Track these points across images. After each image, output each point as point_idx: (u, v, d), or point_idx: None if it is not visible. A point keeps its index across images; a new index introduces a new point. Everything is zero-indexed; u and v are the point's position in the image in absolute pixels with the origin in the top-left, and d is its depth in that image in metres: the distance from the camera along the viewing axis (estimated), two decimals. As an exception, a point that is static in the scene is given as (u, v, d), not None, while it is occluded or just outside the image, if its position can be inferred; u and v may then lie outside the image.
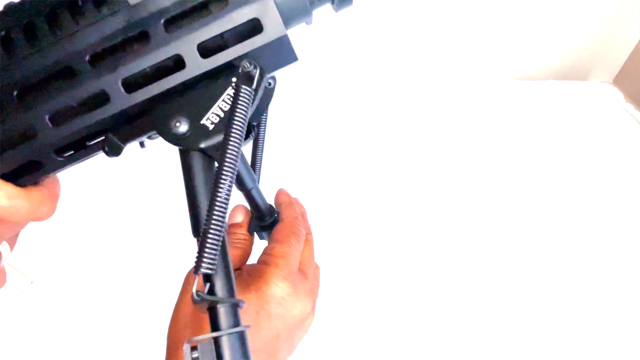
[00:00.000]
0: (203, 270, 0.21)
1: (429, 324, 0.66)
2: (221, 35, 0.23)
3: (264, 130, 0.35)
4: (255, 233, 0.43)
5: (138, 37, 0.23)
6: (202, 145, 0.23)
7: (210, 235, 0.21)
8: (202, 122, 0.23)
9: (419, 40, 1.03)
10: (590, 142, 0.95)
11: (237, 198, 0.47)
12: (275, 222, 0.42)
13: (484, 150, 0.92)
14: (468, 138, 0.94)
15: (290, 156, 0.85)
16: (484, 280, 0.71)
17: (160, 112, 0.23)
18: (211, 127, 0.23)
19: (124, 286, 0.65)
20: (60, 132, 0.23)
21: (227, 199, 0.21)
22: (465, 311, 0.67)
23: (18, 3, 0.23)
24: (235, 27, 0.23)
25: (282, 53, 0.24)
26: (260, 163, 0.39)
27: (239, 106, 0.22)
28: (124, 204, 0.76)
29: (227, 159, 0.21)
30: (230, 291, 0.22)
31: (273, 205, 0.44)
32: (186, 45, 0.22)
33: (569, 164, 0.90)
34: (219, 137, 0.23)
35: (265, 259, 0.35)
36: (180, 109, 0.23)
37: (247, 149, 0.34)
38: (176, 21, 0.23)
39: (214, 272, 0.21)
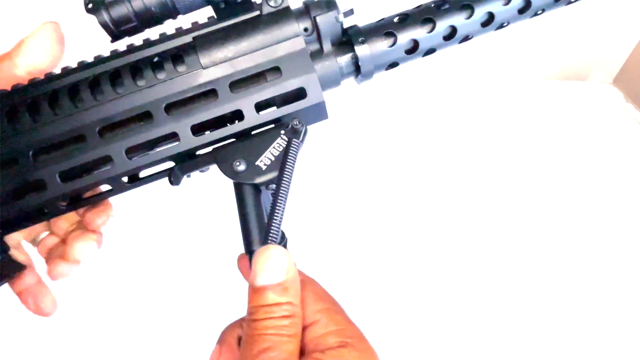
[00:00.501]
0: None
1: (430, 323, 0.66)
2: (273, 97, 0.29)
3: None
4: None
5: (207, 94, 0.29)
6: (257, 181, 0.29)
7: None
8: (256, 163, 0.29)
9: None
10: (590, 142, 0.94)
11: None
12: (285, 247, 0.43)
13: (484, 150, 0.92)
14: (468, 138, 0.94)
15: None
16: (485, 280, 0.71)
17: (223, 154, 0.29)
18: (264, 167, 0.29)
19: (124, 286, 0.65)
20: (133, 163, 0.29)
21: (281, 223, 0.27)
22: (467, 310, 0.67)
23: (108, 56, 0.29)
24: (285, 93, 0.29)
25: (317, 113, 0.30)
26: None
27: (291, 152, 0.28)
28: (124, 204, 0.75)
29: (281, 190, 0.27)
30: None
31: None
32: (246, 103, 0.29)
33: (569, 164, 0.90)
34: (271, 175, 0.29)
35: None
36: (239, 152, 0.29)
37: None
38: (239, 84, 0.29)
39: None
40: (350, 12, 0.31)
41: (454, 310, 0.67)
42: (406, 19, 0.31)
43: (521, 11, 0.32)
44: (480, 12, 0.31)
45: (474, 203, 0.81)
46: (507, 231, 0.77)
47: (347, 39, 0.31)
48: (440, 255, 0.73)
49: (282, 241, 0.43)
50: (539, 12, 0.33)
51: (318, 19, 0.29)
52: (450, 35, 0.32)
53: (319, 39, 0.30)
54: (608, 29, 1.06)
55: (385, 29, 0.31)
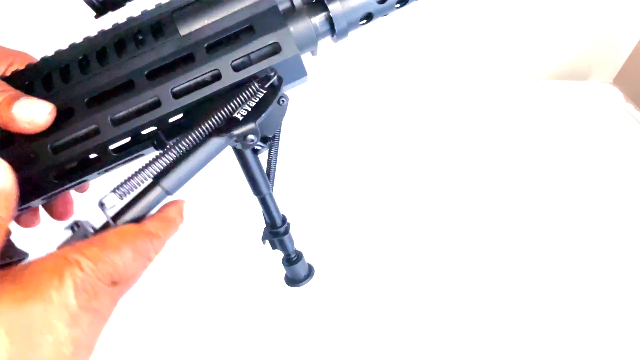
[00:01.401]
0: None
1: (429, 324, 0.66)
2: (249, 55, 0.30)
3: (278, 142, 0.40)
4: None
5: (185, 58, 0.30)
6: (235, 132, 0.29)
7: None
8: (234, 115, 0.29)
9: (421, 41, 1.02)
10: (590, 142, 0.95)
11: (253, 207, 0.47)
12: (287, 231, 0.45)
13: (484, 150, 0.92)
14: (468, 138, 0.94)
15: (299, 159, 0.85)
16: (482, 278, 0.71)
17: (202, 113, 0.29)
18: (241, 118, 0.29)
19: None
20: (120, 129, 0.30)
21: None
22: (466, 310, 0.67)
23: (96, 35, 0.31)
24: (259, 49, 0.30)
25: (295, 70, 0.31)
26: (274, 170, 0.43)
27: (266, 98, 0.30)
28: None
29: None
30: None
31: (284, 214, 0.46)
32: (223, 63, 0.30)
33: (569, 164, 0.90)
34: (249, 126, 0.29)
35: None
36: (217, 110, 0.29)
37: (263, 157, 0.39)
38: (215, 46, 0.30)
39: None
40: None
41: (454, 308, 0.67)
42: None
43: None
44: None
45: (474, 202, 0.81)
46: (507, 231, 0.77)
47: None
48: (438, 254, 0.73)
49: (284, 224, 0.44)
50: None
51: None
52: None
53: None
54: (608, 29, 1.06)
55: None
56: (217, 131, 0.29)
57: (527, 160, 0.90)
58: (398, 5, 0.32)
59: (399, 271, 0.71)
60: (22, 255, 0.34)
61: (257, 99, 0.30)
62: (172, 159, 0.28)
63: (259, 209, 0.44)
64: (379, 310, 0.67)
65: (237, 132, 0.29)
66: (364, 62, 1.05)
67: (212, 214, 0.75)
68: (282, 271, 0.51)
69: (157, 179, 0.27)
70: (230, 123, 0.29)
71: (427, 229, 0.77)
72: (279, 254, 0.48)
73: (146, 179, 0.28)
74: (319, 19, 0.32)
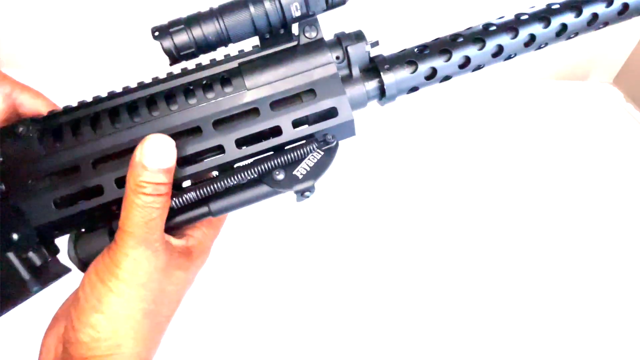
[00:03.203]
0: None
1: (431, 324, 0.66)
2: (307, 116, 0.33)
3: None
4: None
5: (250, 112, 0.33)
6: (295, 189, 0.32)
7: None
8: (294, 173, 0.32)
9: (420, 38, 1.02)
10: (590, 142, 0.95)
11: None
12: None
13: (485, 149, 0.92)
14: (469, 137, 0.94)
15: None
16: (485, 278, 0.71)
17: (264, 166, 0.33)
18: (301, 177, 0.32)
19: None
20: (185, 172, 0.32)
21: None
22: (467, 308, 0.67)
23: (164, 77, 0.33)
24: (318, 112, 0.33)
25: (346, 130, 0.34)
26: None
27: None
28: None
29: None
30: None
31: None
32: (284, 120, 0.33)
33: (569, 164, 0.90)
34: (307, 184, 0.32)
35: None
36: (278, 164, 0.32)
37: None
38: (279, 104, 0.33)
39: None
40: (376, 44, 0.35)
41: (455, 308, 0.67)
42: (425, 50, 0.35)
43: (527, 44, 0.36)
44: (491, 45, 0.35)
45: (473, 202, 0.81)
46: (507, 230, 0.77)
47: (373, 66, 0.35)
48: (441, 253, 0.73)
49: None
50: (543, 45, 0.38)
51: (349, 48, 0.34)
52: (464, 64, 0.36)
53: (349, 66, 0.34)
54: (608, 29, 1.06)
55: (407, 58, 0.35)
56: (278, 185, 0.32)
57: (528, 159, 0.90)
58: (441, 81, 0.37)
59: (400, 271, 0.71)
60: (66, 271, 0.35)
61: (316, 160, 0.33)
62: (223, 188, 0.32)
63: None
64: (379, 311, 0.67)
65: (298, 187, 0.32)
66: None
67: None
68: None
69: (207, 201, 0.32)
70: (292, 179, 0.32)
71: (426, 226, 0.77)
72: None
73: (200, 197, 0.32)
74: (372, 84, 0.35)
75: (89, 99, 0.33)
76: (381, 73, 0.35)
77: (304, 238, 0.74)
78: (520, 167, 0.88)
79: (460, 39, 0.35)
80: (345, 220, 0.77)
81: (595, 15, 0.38)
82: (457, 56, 0.35)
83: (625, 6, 0.37)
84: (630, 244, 0.77)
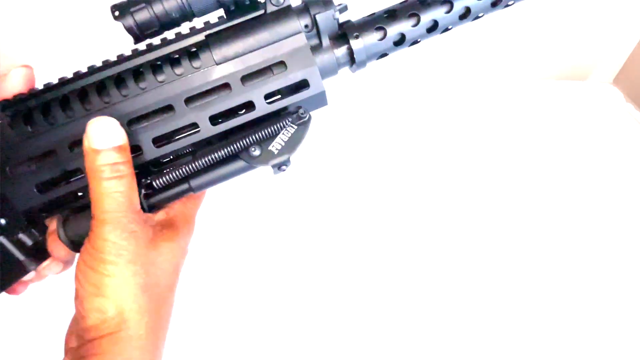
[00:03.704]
0: None
1: (430, 325, 0.66)
2: (279, 89, 0.33)
3: None
4: None
5: (221, 87, 0.32)
6: (271, 164, 0.33)
7: None
8: (269, 148, 0.33)
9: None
10: (590, 142, 0.94)
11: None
12: None
13: (485, 149, 0.92)
14: (468, 137, 0.94)
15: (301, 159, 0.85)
16: (483, 278, 0.71)
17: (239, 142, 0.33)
18: (276, 152, 0.33)
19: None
20: (161, 151, 0.32)
21: None
22: (466, 308, 0.67)
23: (130, 55, 0.32)
24: (290, 84, 0.33)
25: (318, 101, 0.34)
26: None
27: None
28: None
29: None
30: None
31: None
32: (257, 94, 0.32)
33: (569, 164, 0.90)
34: (282, 158, 0.33)
35: None
36: (253, 140, 0.32)
37: None
38: (250, 77, 0.33)
39: None
40: (344, 9, 0.35)
41: (455, 309, 0.67)
42: (394, 14, 0.35)
43: (494, 4, 0.36)
44: (458, 6, 0.34)
45: (473, 202, 0.81)
46: (507, 230, 0.77)
47: (342, 33, 0.35)
48: (439, 253, 0.73)
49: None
50: (510, 2, 0.37)
51: (317, 17, 0.33)
52: (432, 27, 0.35)
53: (318, 34, 0.34)
54: (608, 29, 1.06)
55: (376, 23, 0.34)
56: (255, 160, 0.33)
57: (528, 159, 0.90)
58: (410, 45, 0.36)
59: (397, 268, 0.71)
60: (47, 256, 0.35)
61: (290, 134, 0.33)
62: (202, 166, 0.32)
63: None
64: (375, 308, 0.67)
65: (274, 162, 0.33)
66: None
67: (211, 215, 0.75)
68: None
69: (187, 179, 0.33)
70: (268, 154, 0.33)
71: (425, 227, 0.77)
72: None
73: (179, 176, 0.32)
74: (341, 51, 0.35)
75: (55, 81, 0.33)
76: (350, 40, 0.34)
77: (301, 236, 0.74)
78: (520, 167, 0.88)
79: (428, 2, 0.35)
80: (343, 216, 0.77)
81: None
82: (425, 19, 0.34)
83: None
84: (630, 243, 0.77)
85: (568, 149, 0.93)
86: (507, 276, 0.71)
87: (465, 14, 0.35)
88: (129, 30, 0.30)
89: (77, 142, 0.31)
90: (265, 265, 0.69)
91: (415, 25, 0.34)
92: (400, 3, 0.35)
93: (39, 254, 0.34)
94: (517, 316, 0.67)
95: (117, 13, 0.30)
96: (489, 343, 0.64)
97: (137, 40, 0.32)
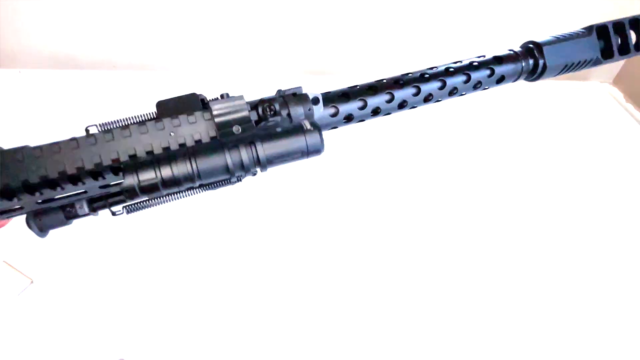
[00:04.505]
0: None
1: (430, 328, 0.66)
2: None
3: None
4: None
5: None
6: None
7: None
8: None
9: (421, 38, 1.03)
10: (590, 142, 0.95)
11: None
12: None
13: (484, 149, 0.92)
14: (468, 137, 0.94)
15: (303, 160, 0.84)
16: (481, 277, 0.71)
17: None
18: None
19: (124, 286, 0.64)
20: None
21: None
22: (467, 310, 0.67)
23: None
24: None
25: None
26: None
27: None
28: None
29: None
30: None
31: None
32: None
33: (569, 164, 0.90)
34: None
35: None
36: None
37: None
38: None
39: None
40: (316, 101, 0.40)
41: (454, 308, 0.67)
42: (346, 95, 0.40)
43: (426, 99, 0.46)
44: (399, 98, 0.42)
45: (472, 202, 0.81)
46: (506, 228, 0.77)
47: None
48: (439, 254, 0.73)
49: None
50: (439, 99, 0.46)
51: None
52: (375, 111, 0.41)
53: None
54: (608, 29, 1.06)
55: (330, 101, 0.40)
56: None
57: (528, 159, 0.90)
58: (357, 122, 0.42)
59: (397, 269, 0.71)
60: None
61: None
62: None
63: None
64: (378, 313, 0.67)
65: None
66: (364, 59, 1.05)
67: (209, 216, 0.75)
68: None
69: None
70: None
71: (424, 226, 0.77)
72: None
73: None
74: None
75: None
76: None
77: (300, 235, 0.74)
78: (520, 167, 0.88)
79: (374, 90, 0.41)
80: (342, 215, 0.77)
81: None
82: (371, 104, 0.40)
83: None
84: (629, 243, 0.77)
85: (568, 149, 0.93)
86: (506, 274, 0.71)
87: (403, 104, 0.43)
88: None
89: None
90: (265, 267, 0.69)
91: (361, 109, 0.41)
92: (351, 87, 0.41)
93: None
94: (517, 318, 0.67)
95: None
96: (488, 344, 0.64)
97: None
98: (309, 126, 0.37)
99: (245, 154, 0.34)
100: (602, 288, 0.71)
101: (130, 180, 0.32)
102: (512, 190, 0.84)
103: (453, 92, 0.46)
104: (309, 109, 0.38)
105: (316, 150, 0.37)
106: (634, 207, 0.82)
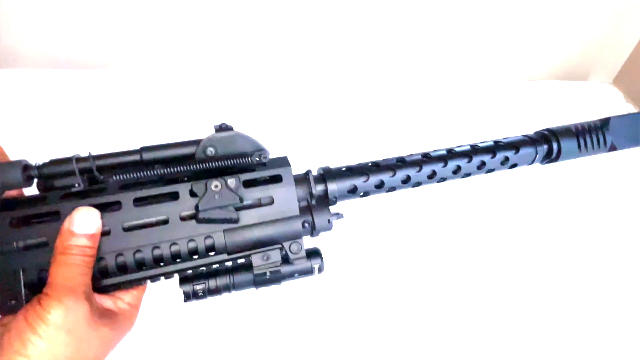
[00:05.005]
0: None
1: (430, 334, 0.66)
2: None
3: None
4: None
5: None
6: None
7: None
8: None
9: (421, 39, 1.03)
10: (590, 142, 0.94)
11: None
12: None
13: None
14: (468, 137, 0.94)
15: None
16: (482, 285, 0.71)
17: None
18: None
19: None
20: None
21: None
22: (468, 320, 0.67)
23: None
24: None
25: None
26: None
27: None
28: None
29: None
30: None
31: None
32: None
33: (568, 164, 0.89)
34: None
35: None
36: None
37: None
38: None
39: None
40: (341, 216, 0.44)
41: (454, 313, 0.67)
42: (349, 171, 0.44)
43: (430, 177, 0.49)
44: (401, 174, 0.45)
45: (472, 202, 0.81)
46: (506, 229, 0.77)
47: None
48: (439, 263, 0.73)
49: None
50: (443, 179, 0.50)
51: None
52: (379, 185, 0.45)
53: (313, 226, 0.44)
54: (608, 28, 1.06)
55: (329, 175, 0.44)
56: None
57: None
58: (361, 196, 0.45)
59: (400, 281, 0.71)
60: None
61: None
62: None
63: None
64: (379, 318, 0.67)
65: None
66: (362, 62, 1.05)
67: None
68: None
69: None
70: None
71: (423, 234, 0.77)
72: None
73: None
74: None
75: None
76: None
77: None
78: (519, 166, 0.88)
79: (376, 167, 0.45)
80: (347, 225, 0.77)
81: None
82: (373, 180, 0.44)
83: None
84: (630, 247, 0.77)
85: (568, 149, 0.92)
86: (506, 281, 0.71)
87: (407, 180, 0.46)
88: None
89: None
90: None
91: (365, 182, 0.44)
92: (357, 164, 0.45)
93: None
94: (517, 324, 0.67)
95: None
96: (488, 350, 0.64)
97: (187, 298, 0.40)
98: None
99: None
100: (602, 288, 0.71)
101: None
102: (510, 189, 0.84)
103: (466, 175, 0.54)
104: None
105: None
106: (634, 207, 0.82)
